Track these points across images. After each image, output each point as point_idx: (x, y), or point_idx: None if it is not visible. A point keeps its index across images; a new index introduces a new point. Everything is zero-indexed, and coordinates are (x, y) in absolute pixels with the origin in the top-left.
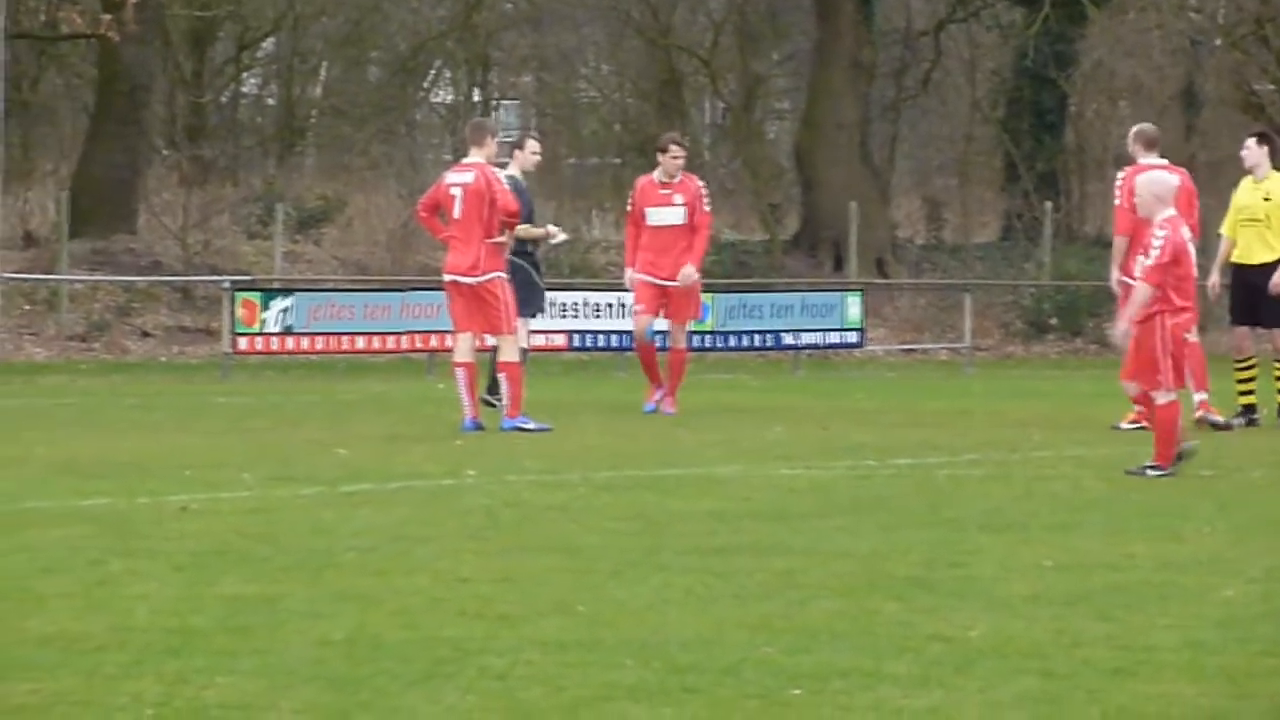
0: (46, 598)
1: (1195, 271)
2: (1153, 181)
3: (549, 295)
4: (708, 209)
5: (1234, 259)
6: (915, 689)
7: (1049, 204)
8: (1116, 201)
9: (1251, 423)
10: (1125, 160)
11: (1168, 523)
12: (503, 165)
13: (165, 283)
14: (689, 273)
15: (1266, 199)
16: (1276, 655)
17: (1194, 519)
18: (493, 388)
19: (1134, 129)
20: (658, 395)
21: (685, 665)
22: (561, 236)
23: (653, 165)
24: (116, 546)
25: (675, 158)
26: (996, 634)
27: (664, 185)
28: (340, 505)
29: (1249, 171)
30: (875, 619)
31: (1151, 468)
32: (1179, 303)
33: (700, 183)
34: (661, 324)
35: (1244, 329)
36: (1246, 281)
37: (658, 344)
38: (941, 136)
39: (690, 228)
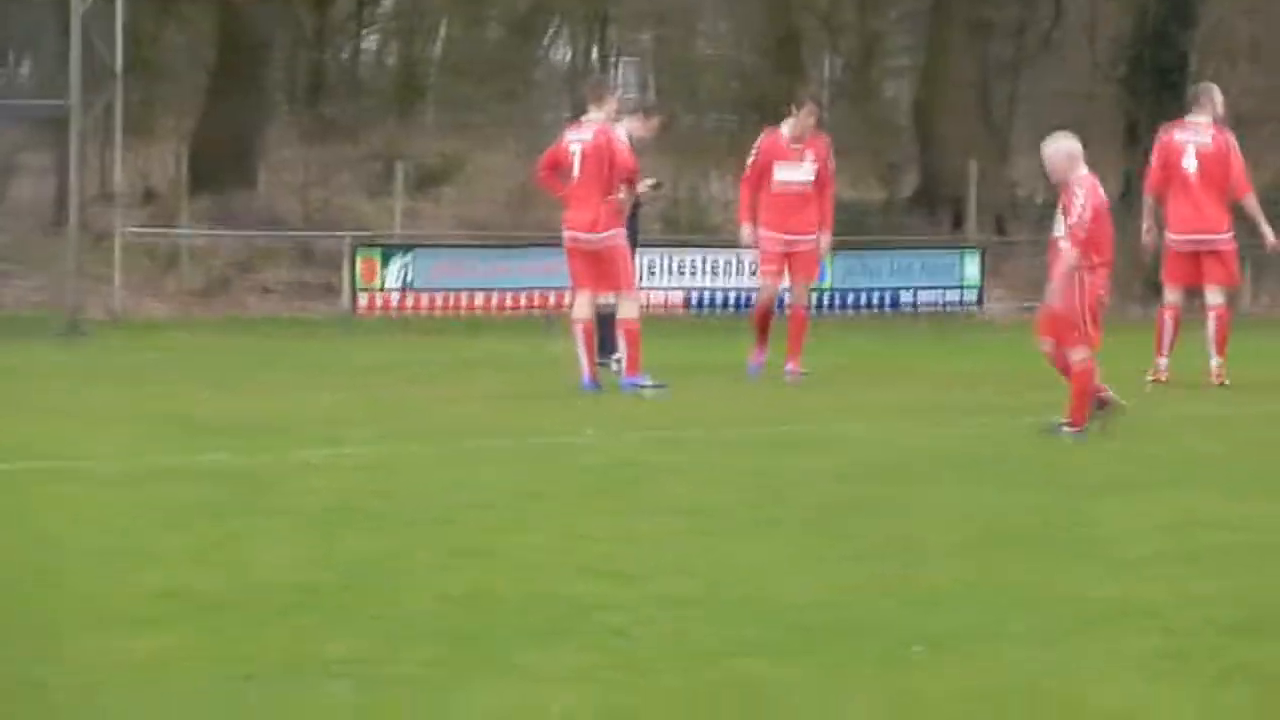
0: (167, 553)
1: (1112, 230)
2: (1064, 145)
3: (668, 253)
4: (833, 169)
5: None
6: (1036, 648)
7: None
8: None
9: None
10: (1241, 120)
11: None
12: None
13: (285, 239)
14: (828, 241)
15: None
16: None
17: None
18: (605, 348)
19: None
20: (763, 358)
21: (804, 624)
22: (647, 184)
23: (772, 121)
24: (237, 503)
25: (811, 114)
26: (1117, 593)
27: (794, 142)
28: (460, 463)
29: None
30: (995, 579)
31: (1066, 425)
32: (1096, 260)
33: (828, 142)
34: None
35: None
36: None
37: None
38: (1061, 95)
39: (817, 187)
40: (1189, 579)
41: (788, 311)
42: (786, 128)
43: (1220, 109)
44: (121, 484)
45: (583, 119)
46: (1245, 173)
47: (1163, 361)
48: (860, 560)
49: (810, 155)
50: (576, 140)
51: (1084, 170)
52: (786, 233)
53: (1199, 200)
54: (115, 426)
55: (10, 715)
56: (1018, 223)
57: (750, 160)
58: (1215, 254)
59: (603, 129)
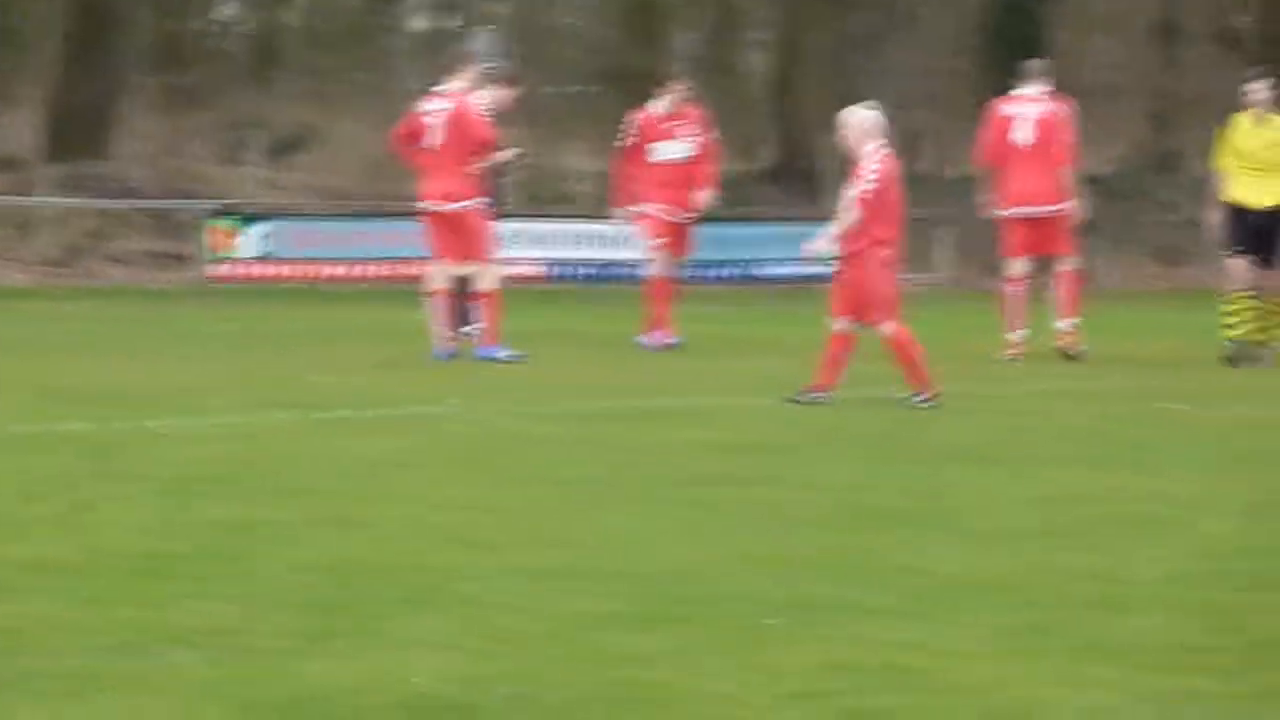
0: (25, 523)
1: (899, 210)
2: (860, 116)
3: (525, 225)
4: (713, 137)
5: (1237, 200)
6: (897, 621)
7: None
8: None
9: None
10: (1096, 93)
11: (1146, 456)
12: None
13: (141, 207)
14: (709, 198)
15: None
16: (1257, 590)
17: (1172, 451)
18: (464, 318)
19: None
20: (661, 333)
21: (667, 594)
22: (511, 153)
23: (630, 93)
24: (94, 471)
25: (681, 91)
26: (978, 566)
27: (667, 119)
28: (320, 432)
29: (1249, 109)
30: (858, 551)
31: (916, 396)
32: (883, 235)
33: (704, 114)
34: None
35: (1243, 261)
36: (1251, 223)
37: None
38: (918, 68)
39: (698, 159)
40: (1051, 552)
41: (654, 284)
42: (658, 105)
43: (1050, 83)
44: None
45: (440, 88)
46: (1073, 144)
47: (1015, 335)
48: (726, 532)
49: (687, 130)
50: (434, 109)
51: (880, 143)
52: (673, 208)
53: (1033, 171)
54: None
55: None
56: None
57: (626, 139)
58: (1053, 223)
59: (460, 98)
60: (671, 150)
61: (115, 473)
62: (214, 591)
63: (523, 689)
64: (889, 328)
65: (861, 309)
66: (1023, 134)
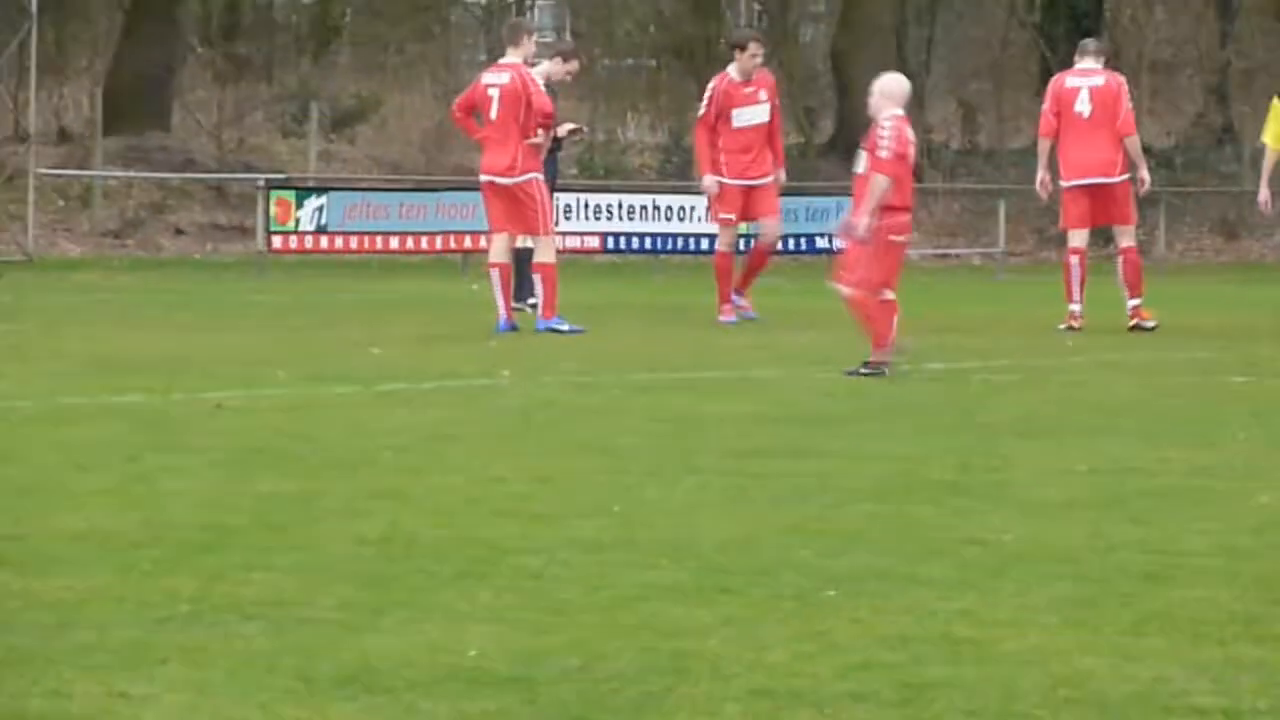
0: (81, 494)
1: (911, 179)
2: (884, 82)
3: (584, 197)
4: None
5: None
6: (949, 592)
7: None
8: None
9: None
10: (1155, 66)
11: (1202, 429)
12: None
13: (199, 180)
14: (782, 177)
15: None
16: None
17: (1228, 425)
18: (522, 291)
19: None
20: (730, 306)
21: (720, 566)
22: (568, 128)
23: (690, 69)
24: (152, 443)
25: (754, 55)
26: (1030, 538)
27: (746, 84)
28: (376, 404)
29: None
30: (910, 523)
31: (868, 364)
32: (895, 203)
33: (774, 79)
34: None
35: None
36: None
37: (739, 249)
38: (977, 40)
39: (772, 125)
40: (1105, 524)
41: (754, 251)
42: (734, 70)
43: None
44: (35, 423)
45: (500, 61)
46: (1132, 115)
47: (1075, 307)
48: (776, 503)
49: (764, 94)
50: (493, 83)
51: (899, 111)
52: (747, 176)
53: (1094, 142)
54: (29, 366)
55: None
56: (933, 169)
57: (704, 106)
58: (1113, 193)
59: (519, 71)
60: (750, 116)
61: (173, 444)
62: (272, 563)
63: (579, 661)
64: (847, 290)
65: (845, 268)
66: (1083, 106)
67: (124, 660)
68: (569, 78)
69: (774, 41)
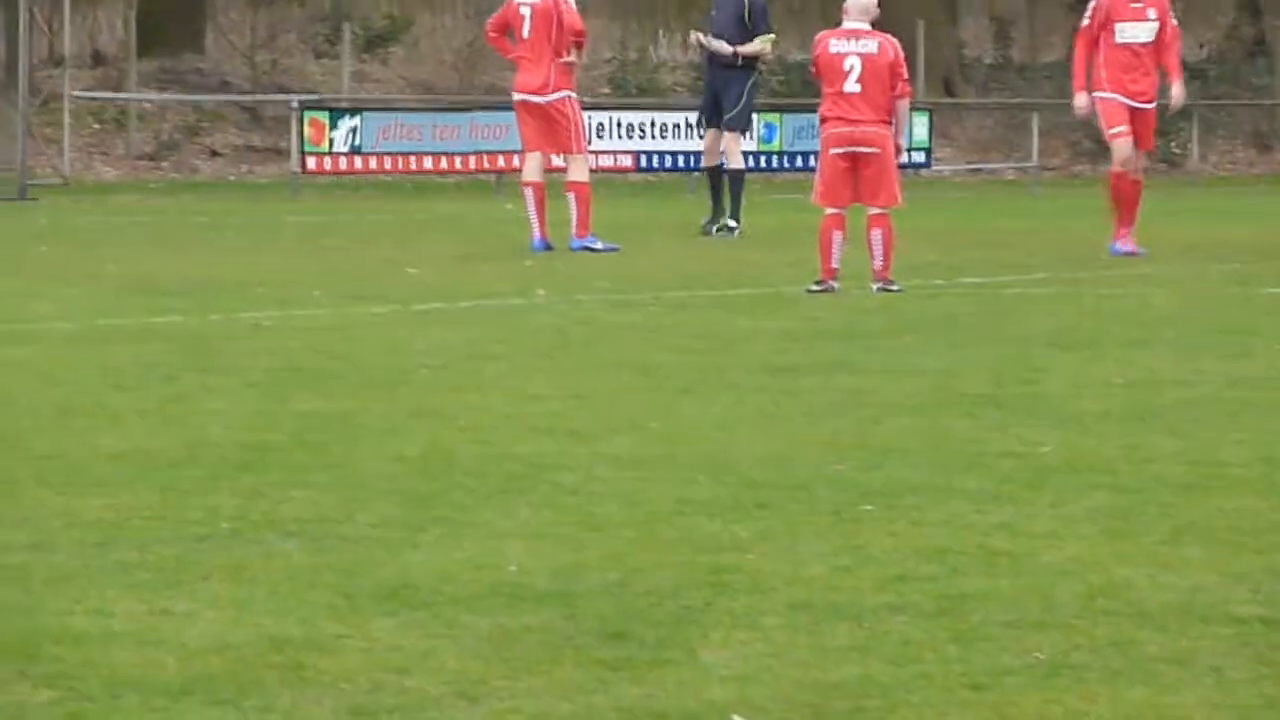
0: (121, 414)
1: None
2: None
3: (618, 115)
4: (1175, 23)
5: None
6: (986, 504)
7: None
8: (1085, 23)
9: None
10: None
11: (1238, 339)
12: None
13: (233, 102)
14: (1180, 93)
15: None
16: None
17: (1264, 336)
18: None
19: None
20: (1126, 233)
21: (757, 481)
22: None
23: None
24: (190, 363)
25: None
26: (1067, 450)
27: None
28: (412, 323)
29: None
30: (946, 436)
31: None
32: (824, 112)
33: None
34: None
35: None
36: None
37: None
38: None
39: (1160, 44)
40: (1140, 436)
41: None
42: None
43: None
44: (75, 345)
45: None
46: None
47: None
48: (811, 418)
49: (1153, 12)
50: (527, 2)
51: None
52: (1135, 96)
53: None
54: (67, 288)
55: None
56: (966, 84)
57: (1086, 19)
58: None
59: None
60: (1137, 32)
61: (211, 364)
62: (312, 481)
63: (617, 576)
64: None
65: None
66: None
67: (165, 578)
68: None
69: None
